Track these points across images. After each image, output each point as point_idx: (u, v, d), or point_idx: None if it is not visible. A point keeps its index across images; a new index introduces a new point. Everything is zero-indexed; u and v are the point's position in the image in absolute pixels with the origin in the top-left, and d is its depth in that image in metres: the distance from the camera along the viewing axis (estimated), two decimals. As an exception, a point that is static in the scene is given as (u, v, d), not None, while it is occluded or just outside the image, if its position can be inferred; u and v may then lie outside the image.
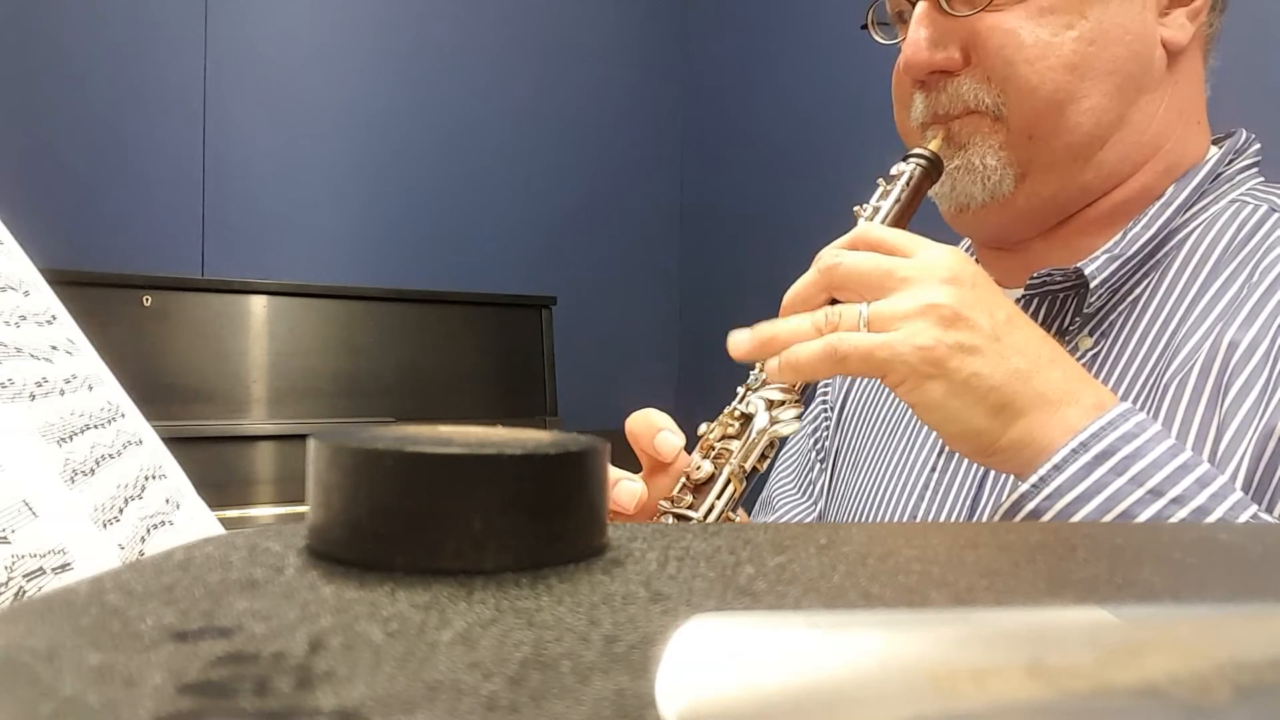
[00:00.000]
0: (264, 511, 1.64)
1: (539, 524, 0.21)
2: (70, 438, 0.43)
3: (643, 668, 0.15)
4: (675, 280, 2.77)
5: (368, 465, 0.20)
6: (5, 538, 0.36)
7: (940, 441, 0.68)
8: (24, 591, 0.35)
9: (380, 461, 0.20)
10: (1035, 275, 0.63)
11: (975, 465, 0.66)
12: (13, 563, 0.35)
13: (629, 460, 0.61)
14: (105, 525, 0.41)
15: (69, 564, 0.38)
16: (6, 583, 0.35)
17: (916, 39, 0.64)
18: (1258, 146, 0.68)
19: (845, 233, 0.60)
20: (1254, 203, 0.63)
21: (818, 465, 0.84)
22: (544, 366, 2.09)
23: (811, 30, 2.28)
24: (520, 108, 2.53)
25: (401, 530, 0.20)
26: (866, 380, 0.81)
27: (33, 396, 0.42)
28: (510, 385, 2.06)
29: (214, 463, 1.62)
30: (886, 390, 0.77)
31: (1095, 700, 0.13)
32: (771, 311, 0.57)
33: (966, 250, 0.75)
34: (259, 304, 1.78)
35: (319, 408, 1.80)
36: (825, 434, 0.85)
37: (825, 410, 0.85)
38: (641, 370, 2.71)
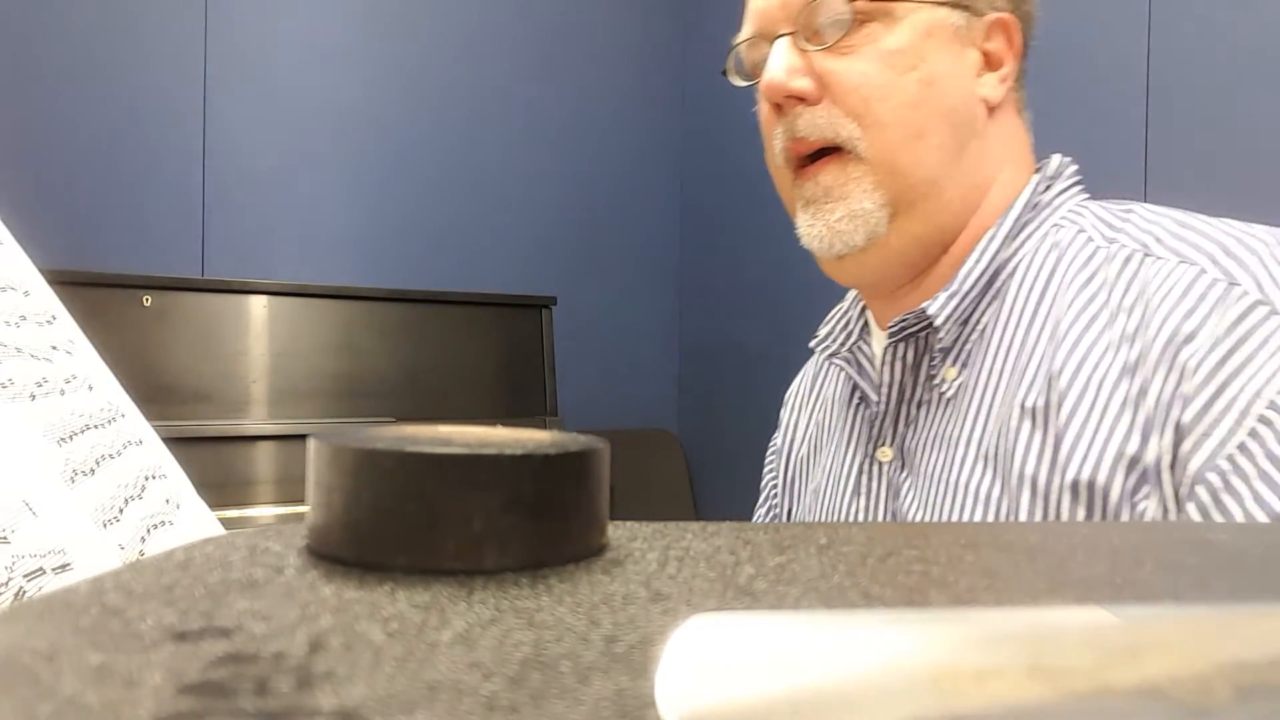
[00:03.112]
0: (264, 511, 1.64)
1: (539, 524, 0.21)
2: (70, 438, 0.43)
3: (643, 668, 0.15)
4: (675, 280, 2.77)
5: (368, 465, 0.20)
6: (5, 538, 0.36)
7: (854, 472, 0.75)
8: (24, 591, 0.35)
9: (380, 461, 0.20)
10: (891, 323, 0.70)
11: (889, 487, 0.72)
12: (13, 563, 0.35)
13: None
14: (105, 525, 0.41)
15: (69, 564, 0.38)
16: (6, 583, 0.35)
17: (777, 65, 0.69)
18: (1074, 168, 0.74)
19: None
20: (1068, 225, 0.68)
21: None
22: (544, 366, 2.09)
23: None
24: (520, 108, 2.53)
25: (401, 530, 0.20)
26: (798, 437, 0.86)
27: (33, 396, 0.42)
28: (510, 385, 2.06)
29: (214, 463, 1.63)
30: (812, 443, 0.83)
31: (1095, 700, 0.13)
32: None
33: (855, 303, 0.80)
34: (259, 304, 1.78)
35: (319, 408, 1.80)
36: (776, 502, 0.89)
37: (773, 481, 0.90)
38: (641, 370, 2.72)
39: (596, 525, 0.22)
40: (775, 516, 0.89)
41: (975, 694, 0.12)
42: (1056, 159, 0.74)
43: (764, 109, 0.73)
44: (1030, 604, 0.20)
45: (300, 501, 1.45)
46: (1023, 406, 0.62)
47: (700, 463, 2.66)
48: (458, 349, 2.00)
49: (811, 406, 0.86)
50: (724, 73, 0.77)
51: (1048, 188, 0.72)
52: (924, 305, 0.68)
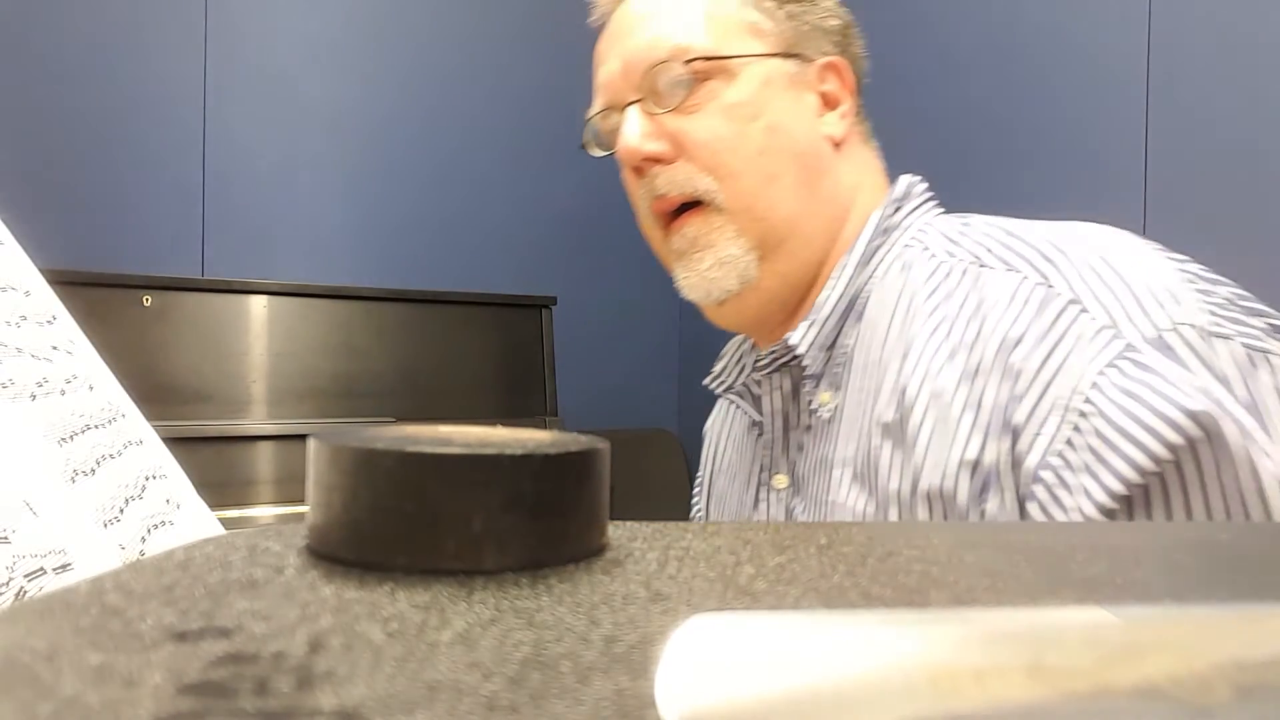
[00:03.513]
0: (264, 511, 1.64)
1: (539, 524, 0.21)
2: (71, 438, 0.43)
3: (643, 668, 0.15)
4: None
5: (368, 465, 0.20)
6: (6, 538, 0.36)
7: (753, 501, 0.78)
8: (25, 591, 0.35)
9: (380, 461, 0.20)
10: (760, 357, 0.74)
11: (787, 514, 0.75)
12: (13, 562, 0.35)
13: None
14: (106, 525, 0.41)
15: (70, 564, 0.38)
16: (7, 583, 0.35)
17: (630, 132, 0.72)
18: (923, 186, 0.77)
19: None
20: (916, 245, 0.71)
21: None
22: (544, 366, 2.09)
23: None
24: (520, 107, 2.53)
25: (401, 530, 0.20)
26: (718, 469, 0.90)
27: (33, 397, 0.42)
28: (510, 385, 2.06)
29: (214, 463, 1.62)
30: (726, 474, 0.86)
31: (1095, 700, 0.13)
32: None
33: (735, 347, 0.84)
34: (259, 304, 1.78)
35: (319, 408, 1.80)
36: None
37: (700, 516, 0.93)
38: (641, 370, 2.71)
39: (596, 525, 0.22)
40: None
41: (975, 694, 0.12)
42: (904, 180, 0.77)
43: (626, 175, 0.77)
44: (1030, 604, 0.20)
45: (300, 501, 1.45)
46: (880, 423, 0.65)
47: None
48: (458, 349, 2.00)
49: (724, 440, 0.89)
50: (583, 146, 0.82)
51: (897, 209, 0.75)
52: (787, 336, 0.71)
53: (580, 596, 0.19)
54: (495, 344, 2.06)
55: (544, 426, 1.67)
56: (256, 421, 1.72)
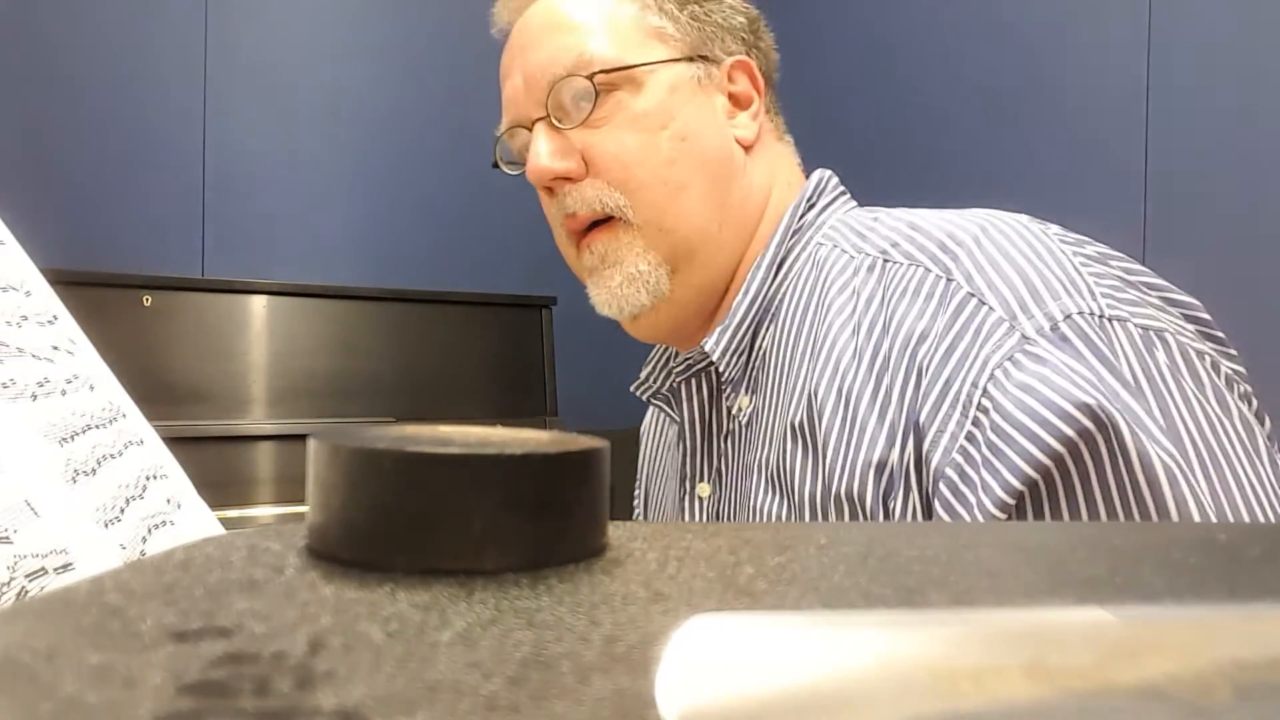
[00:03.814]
0: (264, 511, 1.64)
1: (539, 524, 0.21)
2: (71, 438, 0.43)
3: (643, 668, 0.15)
4: (675, 280, 2.77)
5: (367, 465, 0.20)
6: (7, 537, 0.36)
7: (687, 509, 0.77)
8: (26, 591, 0.35)
9: (380, 461, 0.20)
10: (677, 362, 0.73)
11: (715, 520, 0.74)
12: (15, 562, 0.35)
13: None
14: (107, 525, 0.41)
15: (71, 564, 0.38)
16: (9, 582, 0.35)
17: (537, 151, 0.71)
18: (835, 181, 0.76)
19: None
20: (827, 244, 0.70)
21: None
22: (544, 366, 2.09)
23: (810, 30, 2.28)
24: (520, 108, 2.53)
25: (401, 530, 0.20)
26: (649, 478, 0.89)
27: (34, 397, 0.42)
28: (510, 385, 2.06)
29: (214, 463, 1.62)
30: (657, 482, 0.86)
31: (1095, 700, 0.13)
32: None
33: (661, 350, 0.83)
34: (259, 304, 1.78)
35: (319, 408, 1.80)
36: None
37: (638, 513, 0.93)
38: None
39: (596, 525, 0.22)
40: None
41: (975, 694, 0.12)
42: (816, 176, 0.76)
43: (540, 193, 0.76)
44: (1030, 604, 0.20)
45: (300, 501, 1.45)
46: (791, 426, 0.64)
47: (700, 463, 2.66)
48: (458, 349, 2.00)
49: (657, 445, 0.88)
50: (495, 165, 0.82)
51: (810, 208, 0.74)
52: (703, 342, 0.70)
53: (580, 596, 0.19)
54: (495, 344, 2.06)
55: (544, 426, 1.68)
56: (256, 421, 1.72)
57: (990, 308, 0.58)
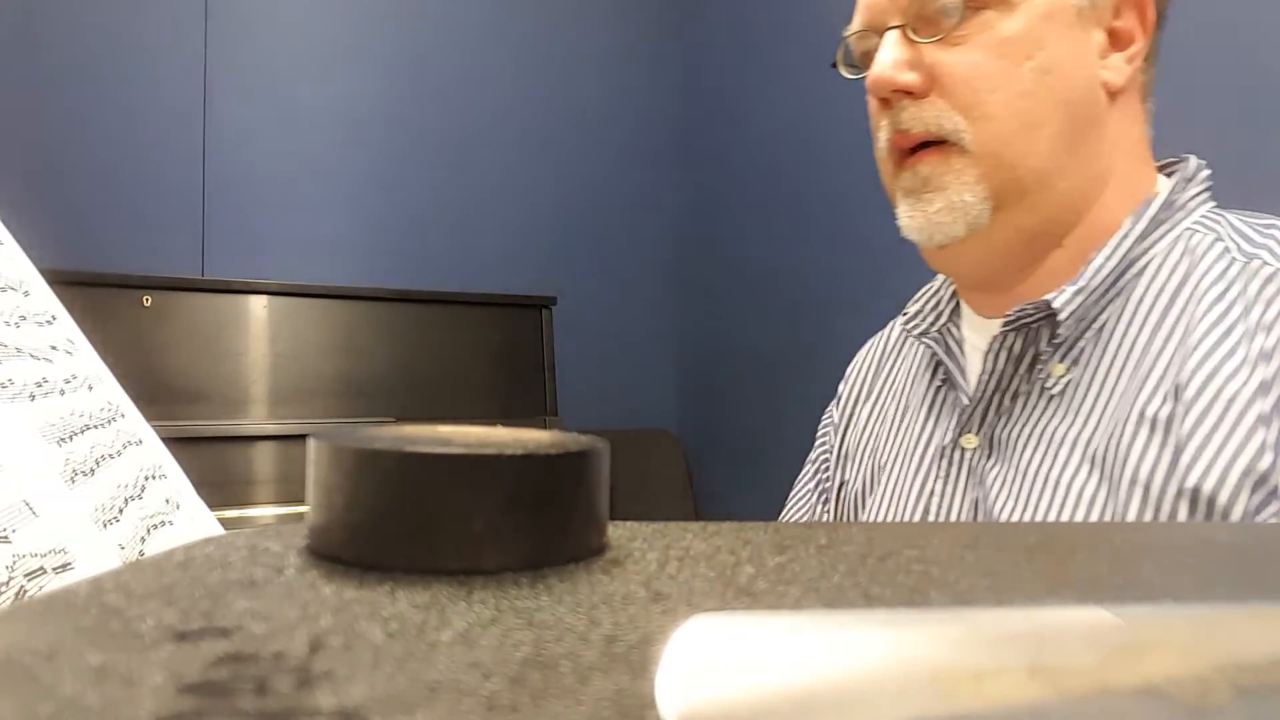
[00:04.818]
0: (264, 511, 1.64)
1: (539, 524, 0.21)
2: (70, 438, 0.43)
3: (643, 668, 0.15)
4: (675, 281, 2.77)
5: (368, 465, 0.20)
6: (6, 537, 0.36)
7: (937, 456, 0.72)
8: (25, 591, 0.35)
9: (380, 461, 0.20)
10: (1010, 311, 0.67)
11: (971, 475, 0.69)
12: (14, 562, 0.35)
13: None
14: (105, 525, 0.41)
15: (70, 564, 0.38)
16: (8, 582, 0.35)
17: (885, 59, 0.67)
18: (1207, 173, 0.71)
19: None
20: (1204, 231, 0.66)
21: (821, 509, 0.87)
22: (544, 366, 2.09)
23: (811, 31, 2.28)
24: (521, 108, 2.53)
25: (401, 530, 0.20)
26: (861, 411, 0.85)
27: (33, 397, 0.42)
28: (510, 385, 2.06)
29: (214, 463, 1.63)
30: (882, 417, 0.81)
31: (1095, 700, 0.13)
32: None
33: (946, 285, 0.78)
34: (259, 304, 1.78)
35: (319, 408, 1.80)
36: (826, 476, 0.87)
37: (825, 453, 0.88)
38: (641, 370, 2.72)
39: (596, 525, 0.22)
40: (825, 489, 0.87)
41: (975, 694, 0.12)
42: (1194, 160, 0.71)
43: (871, 101, 0.71)
44: (1030, 604, 0.20)
45: (300, 501, 1.45)
46: (1142, 413, 0.60)
47: (700, 463, 2.66)
48: (458, 349, 2.00)
49: (881, 381, 0.84)
50: (834, 65, 0.75)
51: (1184, 190, 0.69)
52: (1048, 297, 0.65)
53: (580, 596, 0.19)
54: (495, 344, 2.06)
55: (544, 426, 1.68)
56: (256, 421, 1.72)
57: None
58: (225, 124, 2.18)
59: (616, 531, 0.25)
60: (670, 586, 0.20)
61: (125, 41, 2.09)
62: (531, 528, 0.21)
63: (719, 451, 2.61)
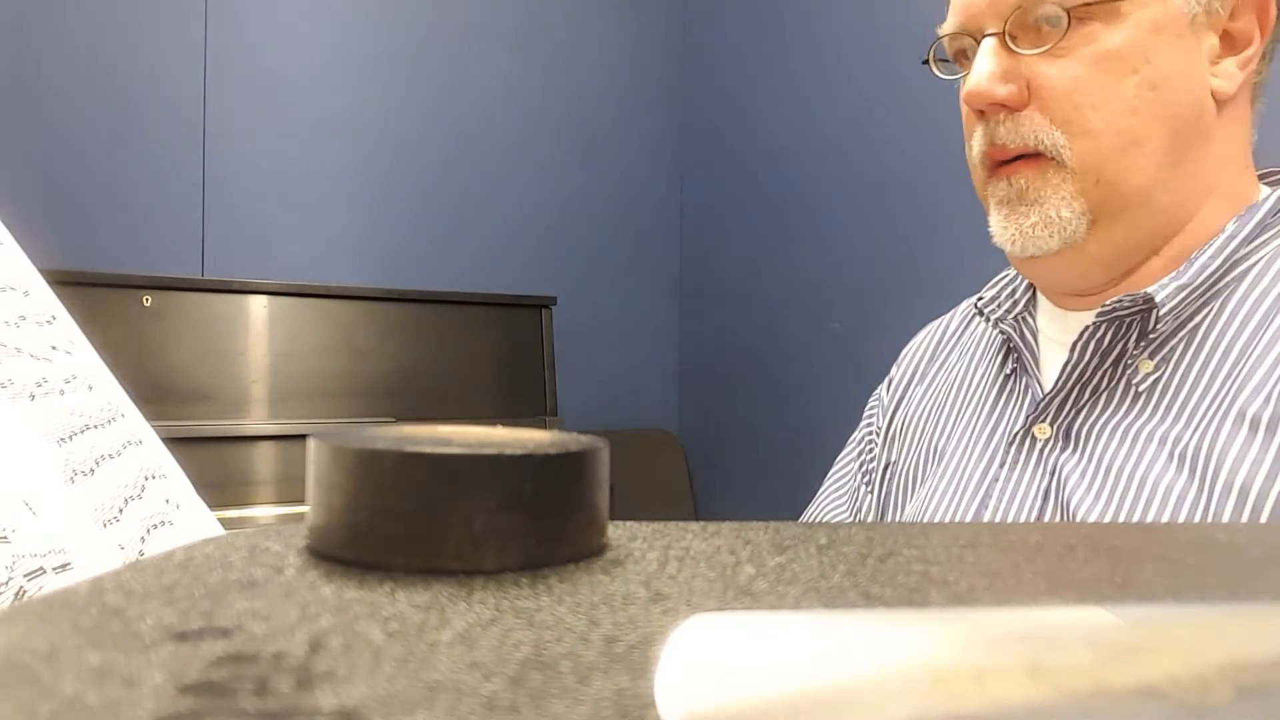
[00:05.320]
0: (264, 511, 1.64)
1: (539, 524, 0.21)
2: (70, 438, 0.43)
3: (643, 668, 0.15)
4: (675, 280, 2.77)
5: (368, 465, 0.20)
6: (5, 537, 0.36)
7: (1004, 443, 0.70)
8: (24, 591, 0.35)
9: (380, 462, 0.20)
10: (1107, 302, 0.65)
11: (1041, 464, 0.67)
12: (13, 562, 0.35)
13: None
14: (105, 525, 0.41)
15: (69, 564, 0.38)
16: (7, 582, 0.35)
17: (981, 71, 0.65)
18: None
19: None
20: None
21: (863, 489, 0.86)
22: (544, 366, 2.09)
23: (812, 31, 2.28)
24: (520, 108, 2.53)
25: (401, 530, 0.20)
26: (915, 393, 0.83)
27: (32, 396, 0.42)
28: (510, 385, 2.06)
29: (214, 463, 1.63)
30: (937, 400, 0.80)
31: (1095, 700, 0.13)
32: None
33: (1010, 275, 0.76)
34: (259, 304, 1.78)
35: (319, 408, 1.80)
36: (871, 456, 0.86)
37: (870, 434, 0.87)
38: (641, 370, 2.72)
39: (596, 525, 0.22)
40: (869, 469, 0.86)
41: (975, 694, 0.12)
42: None
43: (964, 107, 0.69)
44: (1030, 604, 0.20)
45: (300, 501, 1.45)
46: (1243, 413, 0.59)
47: (700, 463, 2.66)
48: (458, 349, 2.00)
49: (937, 366, 0.83)
50: (925, 61, 0.73)
51: None
52: (1149, 290, 0.63)
53: (580, 596, 0.19)
54: (495, 344, 2.06)
55: (544, 426, 1.67)
56: (256, 421, 1.72)
57: None
58: (225, 124, 2.18)
59: (616, 531, 0.25)
60: (670, 586, 0.20)
61: (125, 42, 2.09)
62: (531, 528, 0.21)
63: (719, 452, 2.61)
